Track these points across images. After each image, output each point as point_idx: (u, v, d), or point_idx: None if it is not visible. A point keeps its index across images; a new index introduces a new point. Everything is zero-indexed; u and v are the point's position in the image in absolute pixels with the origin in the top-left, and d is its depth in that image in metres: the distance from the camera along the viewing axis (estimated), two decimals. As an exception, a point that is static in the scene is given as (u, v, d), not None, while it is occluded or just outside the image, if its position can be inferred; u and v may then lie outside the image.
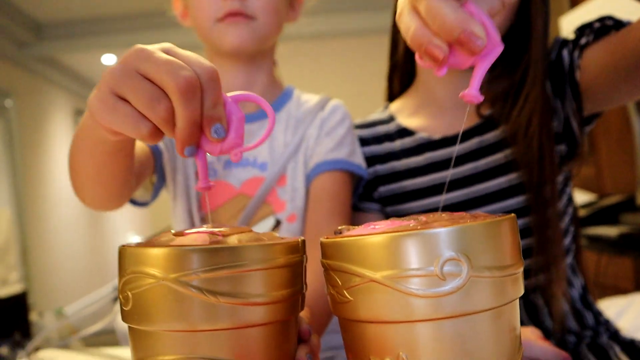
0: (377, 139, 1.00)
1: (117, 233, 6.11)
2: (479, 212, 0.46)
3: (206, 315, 0.42)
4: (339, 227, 0.50)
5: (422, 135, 0.95)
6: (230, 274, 0.43)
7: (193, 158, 0.93)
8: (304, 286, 0.50)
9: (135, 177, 0.80)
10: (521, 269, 0.43)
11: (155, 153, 0.90)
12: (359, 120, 1.05)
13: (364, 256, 0.41)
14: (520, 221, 0.87)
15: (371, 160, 0.99)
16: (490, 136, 0.90)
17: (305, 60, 4.17)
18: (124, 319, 0.46)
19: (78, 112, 5.17)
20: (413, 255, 0.39)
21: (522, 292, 0.43)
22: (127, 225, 6.43)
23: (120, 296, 0.45)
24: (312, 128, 0.93)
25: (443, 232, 0.39)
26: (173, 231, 0.48)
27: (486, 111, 0.90)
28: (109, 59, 4.69)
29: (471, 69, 0.45)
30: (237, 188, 0.90)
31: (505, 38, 0.84)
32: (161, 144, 0.92)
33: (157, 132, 0.45)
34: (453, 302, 0.39)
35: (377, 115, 1.04)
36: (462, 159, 0.90)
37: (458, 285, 0.38)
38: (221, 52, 0.90)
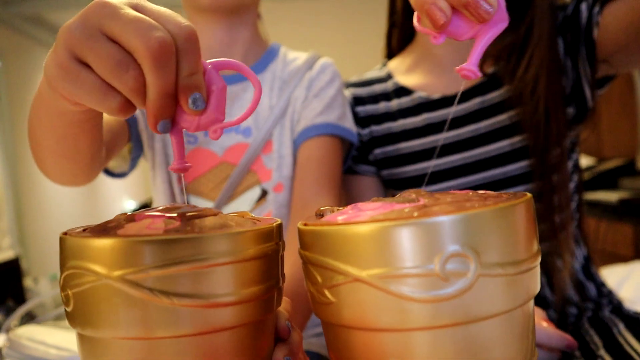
0: (373, 98, 0.94)
1: (113, 197, 6.05)
2: (487, 191, 0.39)
3: (161, 320, 0.35)
4: (322, 208, 0.42)
5: (420, 94, 0.89)
6: (188, 271, 0.35)
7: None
8: (281, 279, 0.42)
9: (107, 147, 0.73)
10: (538, 261, 0.35)
11: (130, 120, 0.83)
12: (354, 77, 0.99)
13: (348, 250, 0.33)
14: (522, 187, 0.81)
15: (367, 120, 0.93)
16: (492, 96, 0.83)
17: (296, 17, 4.02)
18: (68, 321, 0.39)
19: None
20: (408, 249, 0.31)
21: (538, 288, 0.36)
22: (123, 190, 6.37)
23: (62, 294, 0.38)
24: (300, 89, 0.85)
25: (446, 221, 0.31)
26: (128, 213, 0.41)
27: (489, 69, 0.83)
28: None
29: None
30: (220, 155, 0.84)
31: None
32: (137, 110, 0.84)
33: (127, 105, 0.38)
34: (457, 307, 0.31)
35: (374, 73, 0.98)
36: (461, 120, 0.84)
37: (464, 287, 0.31)
38: (199, 7, 0.82)
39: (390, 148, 0.90)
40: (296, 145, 0.84)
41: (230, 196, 0.83)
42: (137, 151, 0.86)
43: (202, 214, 0.40)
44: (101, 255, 0.35)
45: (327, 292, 0.35)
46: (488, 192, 0.38)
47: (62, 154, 0.59)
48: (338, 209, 0.41)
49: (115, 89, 0.36)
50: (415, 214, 0.33)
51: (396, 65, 0.96)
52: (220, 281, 0.37)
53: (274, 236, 0.41)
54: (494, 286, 0.32)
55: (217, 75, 0.39)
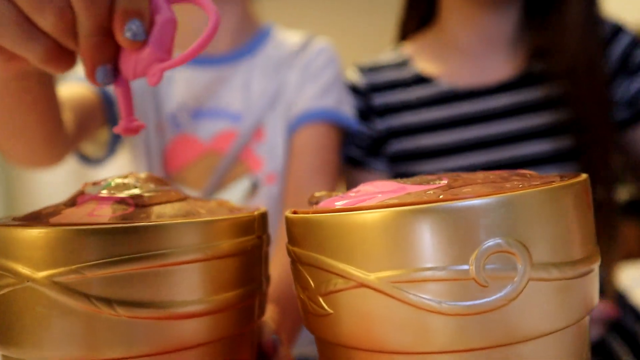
0: (389, 85, 0.85)
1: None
2: (523, 170, 0.30)
3: (103, 337, 0.27)
4: (316, 194, 0.34)
5: (443, 84, 0.80)
6: (139, 271, 0.27)
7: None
8: (264, 281, 0.34)
9: (79, 129, 0.65)
10: (598, 263, 0.27)
11: (105, 100, 0.75)
12: (366, 62, 0.89)
13: (350, 244, 0.25)
14: None
15: (384, 110, 0.83)
16: (529, 93, 0.75)
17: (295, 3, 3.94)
18: None
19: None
20: (433, 244, 0.23)
21: (597, 298, 0.27)
22: (118, 171, 6.27)
23: (-21, 301, 0.30)
24: (294, 72, 0.78)
25: (484, 205, 0.23)
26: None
27: (524, 64, 0.76)
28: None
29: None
30: (206, 143, 0.76)
31: None
32: (112, 89, 0.76)
33: (57, 52, 0.29)
34: (499, 323, 0.23)
35: (388, 57, 0.87)
36: (491, 117, 0.76)
37: (509, 295, 0.23)
38: None
39: (408, 143, 0.81)
40: (290, 131, 0.76)
41: (217, 187, 0.76)
42: (114, 137, 0.78)
43: (165, 198, 0.31)
44: (24, 251, 0.26)
45: (322, 301, 0.27)
46: (529, 171, 0.30)
47: (10, 132, 0.51)
48: (336, 194, 0.33)
49: (41, 29, 0.28)
50: (441, 196, 0.25)
51: (414, 49, 0.86)
52: (183, 285, 0.28)
53: (254, 227, 0.32)
54: (548, 294, 0.24)
55: (166, 4, 0.30)
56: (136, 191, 0.31)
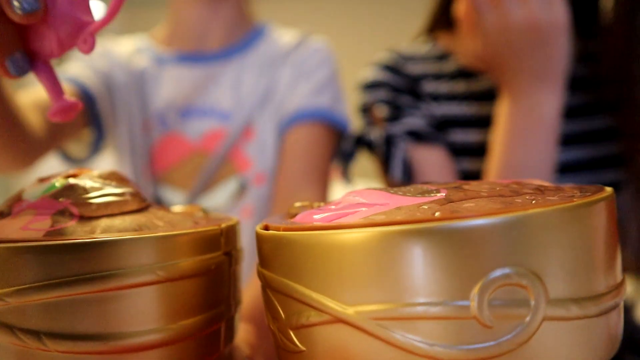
0: (435, 76, 0.76)
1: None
2: (540, 181, 0.26)
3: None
4: (296, 205, 0.30)
5: (488, 80, 0.73)
6: (75, 297, 0.22)
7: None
8: (233, 305, 0.30)
9: (52, 132, 0.62)
10: (623, 295, 0.22)
11: (87, 99, 0.71)
12: (399, 49, 0.79)
13: (326, 270, 0.20)
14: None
15: (435, 97, 0.74)
16: (575, 97, 0.69)
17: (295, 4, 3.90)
18: None
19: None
20: (425, 274, 0.19)
21: (621, 338, 0.23)
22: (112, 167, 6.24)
23: None
24: (286, 69, 0.75)
25: (489, 225, 0.18)
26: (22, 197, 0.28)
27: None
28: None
29: None
30: (194, 143, 0.73)
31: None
32: (95, 87, 0.72)
33: None
34: (506, 372, 0.19)
35: (424, 48, 0.79)
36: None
37: (520, 338, 0.18)
38: None
39: (458, 136, 0.73)
40: (281, 131, 0.73)
41: (205, 188, 0.72)
42: (98, 136, 0.75)
43: (117, 208, 0.27)
44: (-63, 271, 0.22)
45: (292, 335, 0.22)
46: (542, 182, 0.26)
47: None
48: (319, 205, 0.29)
49: None
50: (437, 213, 0.20)
51: (452, 44, 0.78)
52: (133, 312, 0.24)
53: (220, 243, 0.28)
54: (567, 336, 0.19)
55: None
56: (84, 197, 0.27)
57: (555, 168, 0.63)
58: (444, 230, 0.19)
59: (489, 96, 0.70)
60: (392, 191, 0.25)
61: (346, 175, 0.75)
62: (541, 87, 0.60)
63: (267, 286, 0.24)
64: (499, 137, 0.62)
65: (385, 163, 0.68)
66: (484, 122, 0.70)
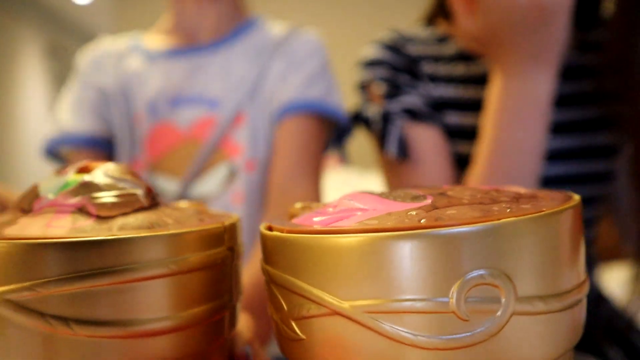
0: (434, 58, 0.75)
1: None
2: (516, 187, 0.29)
3: (59, 357, 0.25)
4: (297, 206, 0.32)
5: (487, 64, 0.72)
6: (100, 288, 0.25)
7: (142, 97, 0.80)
8: (235, 294, 0.32)
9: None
10: (586, 291, 0.25)
11: (102, 144, 0.77)
12: (400, 30, 0.78)
13: (325, 269, 0.23)
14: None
15: (434, 78, 0.73)
16: (573, 85, 0.70)
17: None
18: None
19: (49, 50, 4.86)
20: (412, 273, 0.21)
21: (582, 330, 0.26)
22: None
23: None
24: (277, 62, 0.77)
25: (468, 233, 0.21)
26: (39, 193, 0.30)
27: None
28: (80, -7, 4.37)
29: None
30: (185, 131, 0.76)
31: None
32: (101, 128, 0.78)
33: None
34: (480, 358, 0.22)
35: (424, 31, 0.78)
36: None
37: (491, 329, 0.21)
38: None
39: (455, 118, 0.72)
40: (273, 122, 0.75)
41: (197, 174, 0.75)
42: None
43: (130, 206, 0.30)
44: (-27, 265, 0.24)
45: (294, 325, 0.25)
46: (518, 189, 0.28)
47: None
48: (317, 206, 0.31)
49: None
50: (423, 220, 0.23)
51: (451, 29, 0.77)
52: (148, 302, 0.27)
53: (224, 239, 0.30)
54: (533, 328, 0.22)
55: None
56: (99, 196, 0.29)
57: (544, 152, 0.62)
58: (427, 236, 0.21)
59: (486, 80, 0.68)
60: (384, 196, 0.27)
61: (343, 156, 0.76)
62: (536, 68, 0.59)
63: (271, 281, 0.27)
64: (490, 116, 0.61)
65: (382, 140, 0.68)
66: (480, 106, 0.69)
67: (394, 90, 0.70)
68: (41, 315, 0.24)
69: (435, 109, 0.71)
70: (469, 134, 0.70)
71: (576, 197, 0.26)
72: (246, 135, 0.74)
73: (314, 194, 0.73)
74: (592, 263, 0.77)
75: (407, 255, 0.21)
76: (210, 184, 0.74)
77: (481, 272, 0.21)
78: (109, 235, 0.26)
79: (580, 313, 0.25)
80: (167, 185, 0.75)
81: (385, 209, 0.25)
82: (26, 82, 4.55)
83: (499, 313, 0.21)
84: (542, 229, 0.23)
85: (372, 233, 0.22)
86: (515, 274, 0.22)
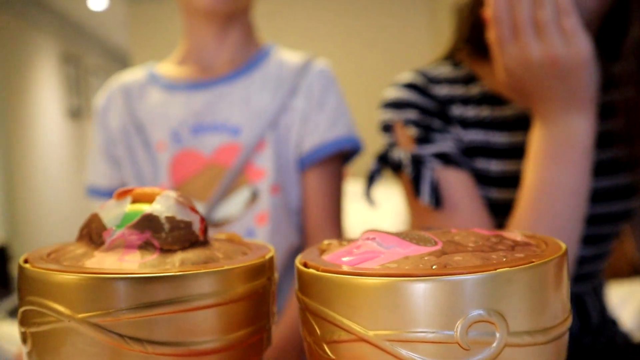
0: (460, 100, 0.73)
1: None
2: (516, 233, 0.34)
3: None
4: (326, 242, 0.38)
5: (514, 107, 0.71)
6: (165, 315, 0.30)
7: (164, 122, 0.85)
8: (271, 318, 0.38)
9: None
10: (569, 325, 0.31)
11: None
12: (423, 69, 0.76)
13: (353, 304, 0.28)
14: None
15: (463, 123, 0.72)
16: (604, 126, 0.69)
17: (301, 14, 3.96)
18: None
19: (64, 57, 4.95)
20: (424, 310, 0.27)
21: (565, 357, 0.31)
22: None
23: (19, 330, 0.33)
24: (299, 99, 0.84)
25: (470, 280, 0.27)
26: (103, 225, 0.35)
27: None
28: (96, 1, 4.46)
29: None
30: (208, 156, 0.81)
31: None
32: (114, 183, 0.86)
33: None
34: (478, 381, 0.27)
35: (448, 70, 0.76)
36: None
37: (488, 358, 0.27)
38: (194, 10, 0.83)
39: (483, 163, 0.72)
40: (304, 164, 0.83)
41: (221, 198, 0.80)
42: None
43: (188, 240, 0.35)
44: (65, 293, 0.30)
45: (326, 348, 0.30)
46: (515, 235, 0.34)
47: None
48: (342, 244, 0.36)
49: None
50: (434, 266, 0.28)
51: (473, 67, 0.75)
52: (202, 326, 0.32)
53: (265, 270, 0.36)
54: (522, 357, 0.27)
55: None
56: (162, 230, 0.34)
57: (589, 195, 0.60)
58: (438, 281, 0.27)
59: (513, 125, 0.70)
60: (401, 237, 0.33)
61: (369, 197, 0.76)
62: (571, 112, 0.58)
63: (306, 309, 0.32)
64: (530, 162, 0.60)
65: (414, 184, 0.68)
66: (506, 152, 0.70)
67: (425, 134, 0.70)
68: (120, 336, 0.30)
69: (465, 154, 0.71)
70: (496, 180, 0.70)
71: (563, 247, 0.31)
72: (269, 161, 0.80)
73: (339, 231, 0.84)
74: (601, 287, 0.81)
75: (420, 296, 0.27)
76: (232, 206, 0.80)
77: (480, 311, 0.26)
78: (173, 272, 0.31)
79: (563, 343, 0.30)
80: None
81: (402, 252, 0.31)
82: (41, 88, 4.63)
83: (494, 345, 0.27)
84: (532, 277, 0.28)
85: (393, 277, 0.27)
86: (508, 313, 0.27)
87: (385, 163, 0.74)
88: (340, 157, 0.85)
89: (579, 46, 0.55)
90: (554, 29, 0.56)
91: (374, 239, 0.33)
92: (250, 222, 0.80)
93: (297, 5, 3.92)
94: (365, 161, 0.81)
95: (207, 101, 0.82)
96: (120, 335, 0.30)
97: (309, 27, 3.87)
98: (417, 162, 0.68)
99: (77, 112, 5.13)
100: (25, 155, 4.33)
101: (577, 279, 0.74)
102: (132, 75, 0.88)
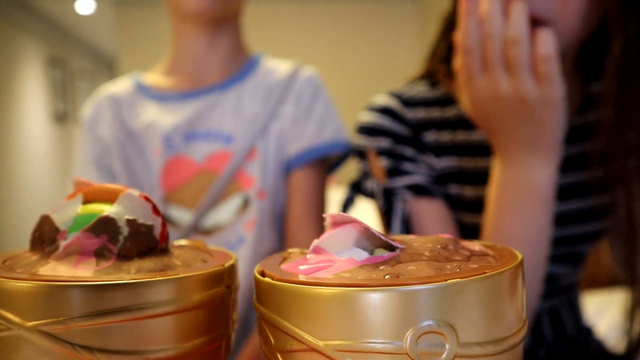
0: (435, 124, 0.71)
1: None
2: (474, 243, 0.34)
3: (82, 378, 0.30)
4: (289, 251, 0.38)
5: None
6: (119, 323, 0.30)
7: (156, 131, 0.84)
8: (231, 325, 0.37)
9: None
10: (524, 334, 0.31)
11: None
12: (398, 91, 0.74)
13: (305, 313, 0.28)
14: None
15: (437, 149, 0.71)
16: (574, 149, 0.69)
17: (291, 23, 3.97)
18: None
19: (50, 61, 4.92)
20: (375, 321, 0.27)
21: (522, 363, 0.31)
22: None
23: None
24: (288, 105, 0.84)
25: (422, 290, 0.27)
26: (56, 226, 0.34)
27: (575, 119, 0.70)
28: (83, 5, 4.44)
29: None
30: (199, 163, 0.82)
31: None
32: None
33: None
34: (427, 392, 0.27)
35: (425, 91, 0.74)
36: None
37: (437, 369, 0.27)
38: (183, 15, 0.83)
39: (455, 190, 0.71)
40: (290, 165, 0.83)
41: (211, 205, 0.81)
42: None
43: (146, 246, 0.35)
44: (15, 301, 0.30)
45: (280, 357, 0.30)
46: (474, 245, 0.34)
47: None
48: (303, 252, 0.36)
49: None
50: (387, 276, 0.28)
51: (450, 88, 0.73)
52: (157, 334, 0.32)
53: (224, 278, 0.36)
54: (472, 368, 0.27)
55: None
56: (119, 235, 0.34)
57: (550, 241, 0.59)
58: (388, 291, 0.27)
59: (488, 150, 0.68)
60: (357, 260, 0.32)
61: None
62: (534, 157, 0.56)
63: (262, 318, 0.32)
64: (491, 205, 0.59)
65: (385, 218, 0.68)
66: (479, 177, 0.68)
67: (396, 164, 0.68)
68: (71, 345, 0.29)
69: (438, 180, 0.70)
70: (470, 205, 0.69)
71: (519, 257, 0.32)
72: (257, 168, 0.81)
73: (320, 234, 0.82)
74: (576, 298, 0.82)
75: (371, 306, 0.27)
76: (223, 214, 0.81)
77: (430, 322, 0.26)
78: (128, 280, 0.31)
79: (518, 354, 0.30)
80: (180, 215, 0.81)
81: (357, 261, 0.31)
82: (27, 92, 4.60)
83: (443, 356, 0.27)
84: (484, 288, 0.28)
85: (344, 287, 0.27)
86: (459, 324, 0.27)
87: (359, 191, 0.74)
88: (325, 163, 0.85)
89: (551, 90, 0.53)
90: (526, 69, 0.53)
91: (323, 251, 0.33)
92: (241, 229, 0.80)
93: (287, 13, 3.94)
94: (351, 168, 0.81)
95: (199, 109, 0.83)
96: (71, 344, 0.29)
97: (298, 35, 3.88)
98: (389, 194, 0.68)
99: (63, 117, 5.10)
100: (9, 160, 4.28)
101: (552, 293, 0.75)
102: (119, 87, 0.88)
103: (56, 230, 0.35)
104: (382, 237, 0.32)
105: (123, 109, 0.84)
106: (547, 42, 0.53)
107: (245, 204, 0.81)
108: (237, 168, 0.81)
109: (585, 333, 0.81)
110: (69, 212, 0.35)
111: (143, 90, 0.86)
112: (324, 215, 0.34)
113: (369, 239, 0.32)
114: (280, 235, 0.84)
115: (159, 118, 0.83)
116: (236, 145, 0.82)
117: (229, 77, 0.85)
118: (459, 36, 0.57)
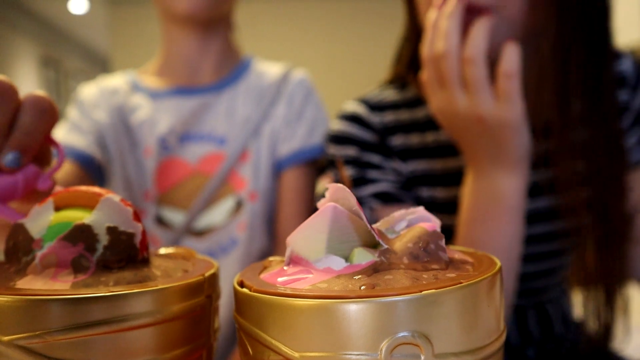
0: (403, 127, 0.71)
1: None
2: (454, 249, 0.34)
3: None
4: (270, 259, 0.38)
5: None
6: (97, 335, 0.30)
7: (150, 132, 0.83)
8: (212, 335, 0.37)
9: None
10: (502, 342, 0.31)
11: (86, 163, 0.80)
12: (367, 97, 0.74)
13: (282, 325, 0.28)
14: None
15: (404, 153, 0.70)
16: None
17: (284, 22, 3.96)
18: None
19: (44, 60, 4.90)
20: (350, 333, 0.27)
21: (501, 372, 0.31)
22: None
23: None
24: (280, 107, 0.85)
25: (398, 301, 0.27)
26: (36, 254, 0.34)
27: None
28: (76, 4, 4.42)
29: None
30: (193, 165, 0.82)
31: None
32: (90, 148, 0.80)
33: None
34: (403, 403, 0.27)
35: (394, 94, 0.74)
36: None
37: (412, 380, 0.27)
38: (173, 16, 0.83)
39: (426, 192, 0.70)
40: (281, 166, 0.84)
41: (204, 206, 0.81)
42: (100, 182, 0.85)
43: (125, 255, 0.34)
44: (-9, 314, 0.29)
45: (258, 368, 0.30)
46: (454, 251, 0.34)
47: None
48: (282, 260, 0.36)
49: None
50: (363, 287, 0.28)
51: (419, 90, 0.73)
52: (137, 346, 0.31)
53: (204, 288, 0.35)
54: (448, 378, 0.27)
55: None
56: (96, 244, 0.33)
57: (520, 251, 0.58)
58: (364, 302, 0.27)
59: (454, 151, 0.68)
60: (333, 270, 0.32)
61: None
62: (498, 169, 0.56)
63: (240, 328, 0.32)
64: (462, 217, 0.59)
65: None
66: (451, 179, 0.68)
67: (362, 173, 0.68)
68: (48, 358, 0.29)
69: (406, 185, 0.70)
70: (441, 206, 0.69)
71: (497, 264, 0.32)
72: (249, 169, 0.81)
73: None
74: (564, 294, 0.82)
75: (346, 317, 0.27)
76: (216, 215, 0.81)
77: (405, 333, 0.26)
78: (106, 292, 0.31)
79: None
80: (173, 216, 0.81)
81: (335, 271, 0.31)
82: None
83: (419, 366, 0.27)
84: (460, 298, 0.28)
85: (320, 300, 0.27)
86: (434, 334, 0.27)
87: None
88: (316, 164, 0.85)
89: (509, 109, 0.52)
90: (483, 88, 0.52)
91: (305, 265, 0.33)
92: (234, 230, 0.81)
93: (279, 12, 3.93)
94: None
95: (194, 110, 0.83)
96: (49, 358, 0.29)
97: (291, 34, 3.88)
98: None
99: (57, 116, 5.08)
100: (3, 160, 4.25)
101: (535, 291, 0.75)
102: (116, 81, 0.88)
103: (31, 240, 0.34)
104: (366, 224, 0.32)
105: (120, 102, 0.84)
106: (511, 59, 0.52)
107: (238, 205, 0.82)
108: (230, 170, 0.81)
109: (573, 329, 0.81)
110: (43, 220, 0.35)
111: (137, 88, 0.86)
112: (326, 185, 0.34)
113: (346, 228, 0.32)
114: (272, 237, 0.85)
115: (154, 117, 0.83)
116: (229, 147, 0.82)
117: (222, 79, 0.86)
118: (424, 48, 0.57)
